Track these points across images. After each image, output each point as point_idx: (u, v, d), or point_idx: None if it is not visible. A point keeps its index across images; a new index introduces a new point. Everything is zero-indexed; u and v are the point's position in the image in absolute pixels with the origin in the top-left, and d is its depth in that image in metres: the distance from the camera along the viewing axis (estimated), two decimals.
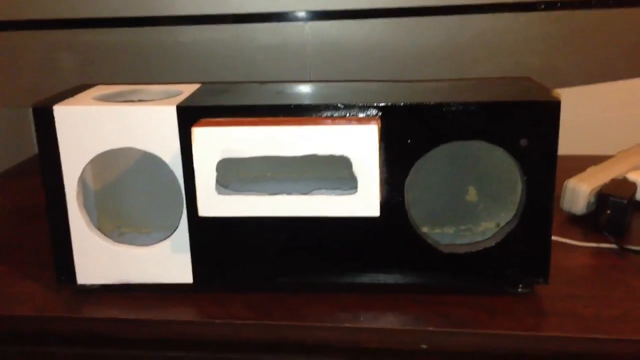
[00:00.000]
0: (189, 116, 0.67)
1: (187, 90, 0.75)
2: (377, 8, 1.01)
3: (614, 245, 0.80)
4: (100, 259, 0.72)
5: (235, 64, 1.05)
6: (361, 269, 0.71)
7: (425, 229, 0.73)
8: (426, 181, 0.75)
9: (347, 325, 0.67)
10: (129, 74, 1.06)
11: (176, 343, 0.70)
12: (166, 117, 0.68)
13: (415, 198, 0.72)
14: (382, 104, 0.66)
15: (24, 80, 1.09)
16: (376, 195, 0.64)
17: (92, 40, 1.04)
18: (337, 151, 0.63)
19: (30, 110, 0.70)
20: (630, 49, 1.06)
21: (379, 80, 0.82)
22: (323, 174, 0.69)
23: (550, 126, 0.65)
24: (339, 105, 0.67)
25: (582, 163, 0.93)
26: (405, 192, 0.68)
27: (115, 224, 0.77)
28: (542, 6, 1.01)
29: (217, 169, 0.65)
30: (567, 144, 0.84)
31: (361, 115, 0.66)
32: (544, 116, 0.65)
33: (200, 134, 0.64)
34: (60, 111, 0.69)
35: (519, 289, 0.70)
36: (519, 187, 0.69)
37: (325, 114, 0.67)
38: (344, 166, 0.64)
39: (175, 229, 0.71)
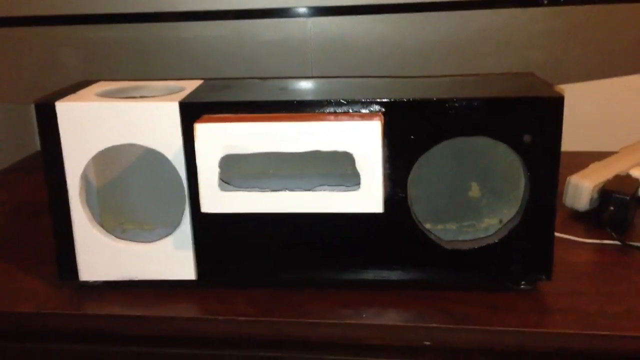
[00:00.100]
0: (192, 112, 0.67)
1: (189, 86, 0.75)
2: (380, 4, 1.00)
3: (617, 242, 0.80)
4: (103, 255, 0.72)
5: (237, 60, 1.05)
6: (364, 266, 0.71)
7: (428, 225, 0.73)
8: (429, 177, 0.75)
9: (349, 321, 0.67)
10: (131, 70, 1.06)
11: (179, 340, 0.70)
12: (168, 113, 0.67)
13: (418, 194, 0.72)
14: (385, 100, 0.66)
15: (26, 77, 1.09)
16: (379, 191, 0.64)
17: (95, 37, 1.04)
18: (340, 147, 0.63)
19: (33, 106, 0.70)
20: (634, 44, 1.06)
21: (381, 76, 0.81)
22: (326, 170, 0.69)
23: (553, 122, 0.65)
24: (341, 101, 0.66)
25: (585, 159, 0.93)
26: (408, 188, 0.68)
27: (118, 221, 0.77)
28: (545, 1, 1.01)
29: (220, 165, 0.65)
30: (570, 140, 0.84)
31: (364, 111, 0.66)
32: (547, 112, 0.65)
33: (203, 130, 0.64)
34: (63, 107, 0.68)
35: (522, 286, 0.70)
36: (522, 183, 0.68)
37: (328, 110, 0.67)
38: (346, 162, 0.64)
39: (178, 226, 0.71)
